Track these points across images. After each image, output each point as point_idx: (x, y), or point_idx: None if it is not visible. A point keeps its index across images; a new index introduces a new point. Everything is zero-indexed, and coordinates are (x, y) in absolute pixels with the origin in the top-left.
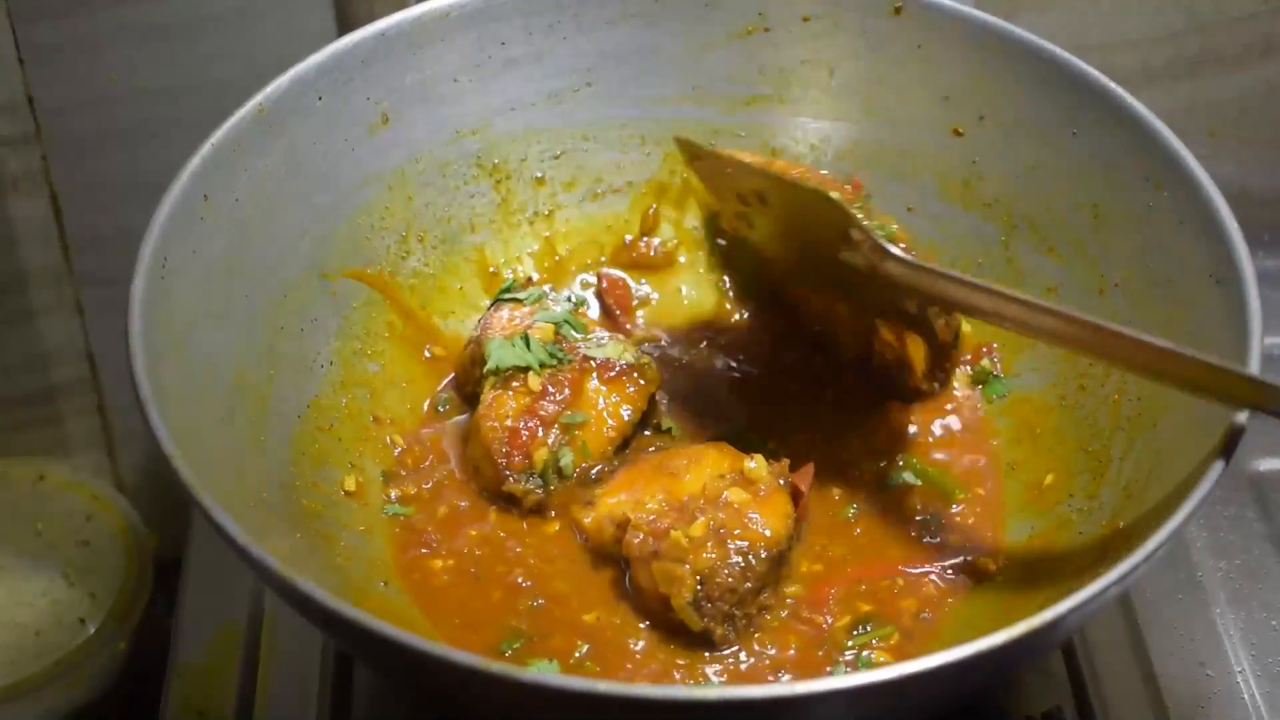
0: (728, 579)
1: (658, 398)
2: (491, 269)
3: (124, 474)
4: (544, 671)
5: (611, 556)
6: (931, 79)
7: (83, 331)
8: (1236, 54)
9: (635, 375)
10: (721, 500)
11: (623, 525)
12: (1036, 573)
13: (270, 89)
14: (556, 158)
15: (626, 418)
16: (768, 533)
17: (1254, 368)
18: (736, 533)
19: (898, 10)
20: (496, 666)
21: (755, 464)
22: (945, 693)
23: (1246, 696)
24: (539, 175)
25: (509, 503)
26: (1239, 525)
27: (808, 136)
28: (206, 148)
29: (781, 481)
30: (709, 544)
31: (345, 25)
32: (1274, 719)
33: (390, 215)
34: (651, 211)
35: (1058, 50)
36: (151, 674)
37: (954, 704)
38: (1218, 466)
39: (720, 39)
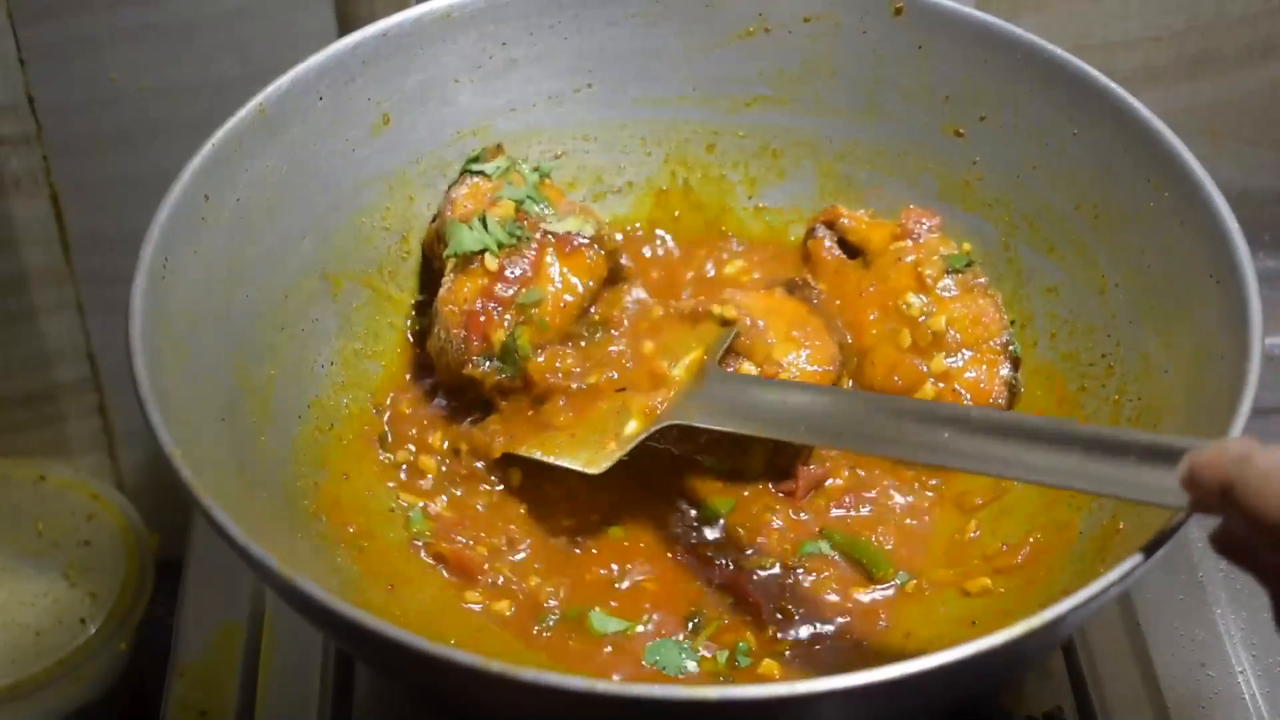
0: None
1: (624, 260)
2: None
3: (125, 474)
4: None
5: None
6: (932, 79)
7: (84, 331)
8: (1237, 54)
9: (594, 246)
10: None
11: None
12: (1038, 573)
13: (271, 89)
14: (557, 158)
15: (582, 290)
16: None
17: (1254, 369)
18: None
19: (898, 11)
20: (496, 666)
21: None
22: (946, 693)
23: (1247, 696)
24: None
25: (472, 388)
26: None
27: (808, 137)
28: (207, 148)
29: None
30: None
31: (346, 25)
32: (1275, 719)
33: (391, 216)
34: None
35: (1058, 51)
36: (152, 674)
37: (955, 704)
38: None
39: (721, 40)
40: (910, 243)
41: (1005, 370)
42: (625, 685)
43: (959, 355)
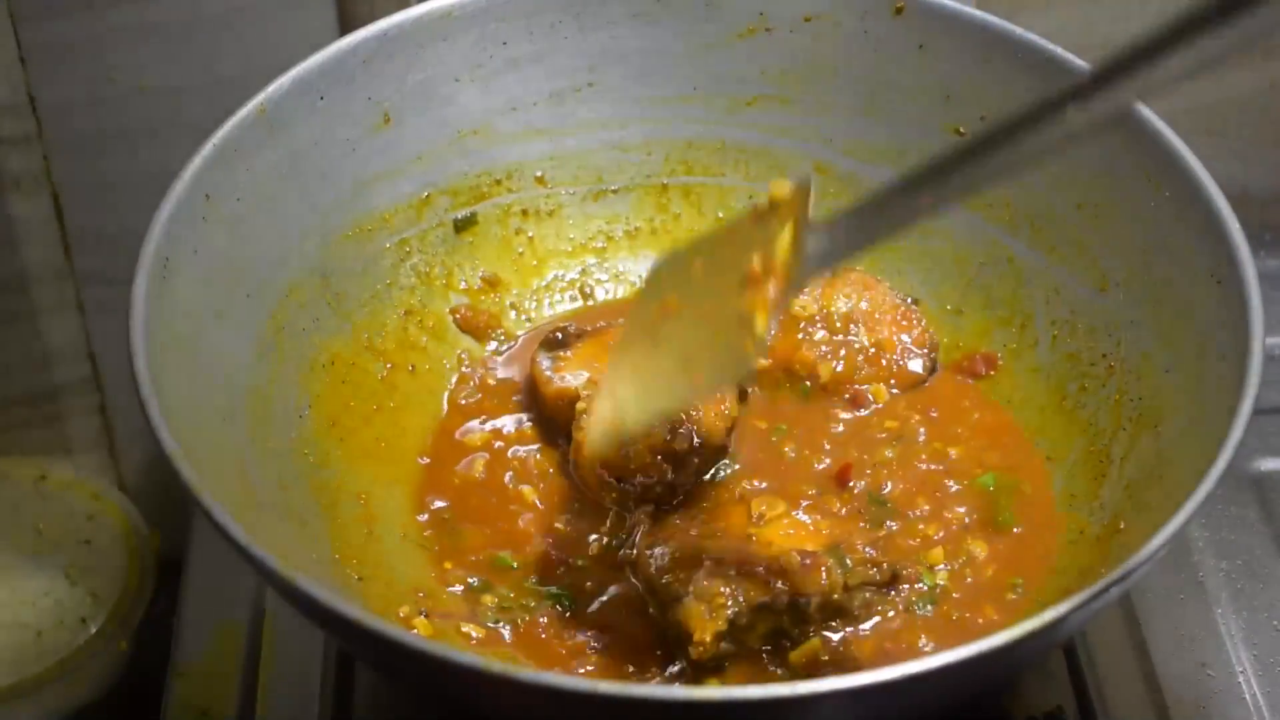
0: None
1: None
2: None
3: (126, 473)
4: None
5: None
6: (933, 79)
7: (84, 331)
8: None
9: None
10: None
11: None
12: (1039, 573)
13: (272, 89)
14: (557, 157)
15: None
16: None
17: (1255, 368)
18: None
19: (899, 10)
20: (497, 666)
21: None
22: (946, 693)
23: (1248, 696)
24: (539, 175)
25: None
26: (1241, 525)
27: (809, 136)
28: (208, 147)
29: None
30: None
31: (347, 25)
32: (1275, 719)
33: (392, 215)
34: None
35: (1059, 50)
36: (153, 673)
37: (955, 704)
38: (1219, 466)
39: (722, 39)
40: None
41: (922, 317)
42: (627, 686)
43: (874, 318)
